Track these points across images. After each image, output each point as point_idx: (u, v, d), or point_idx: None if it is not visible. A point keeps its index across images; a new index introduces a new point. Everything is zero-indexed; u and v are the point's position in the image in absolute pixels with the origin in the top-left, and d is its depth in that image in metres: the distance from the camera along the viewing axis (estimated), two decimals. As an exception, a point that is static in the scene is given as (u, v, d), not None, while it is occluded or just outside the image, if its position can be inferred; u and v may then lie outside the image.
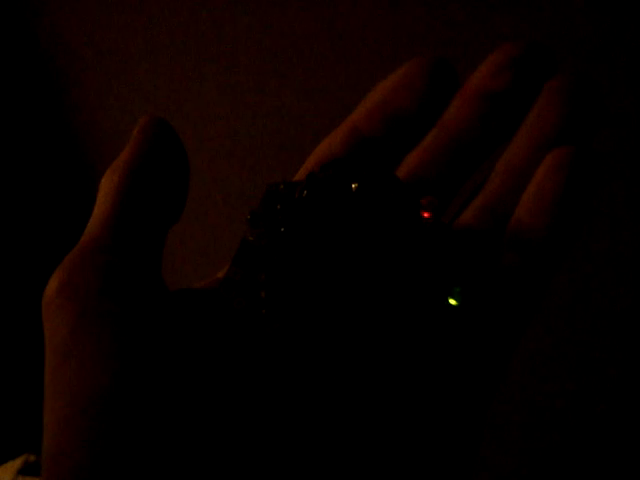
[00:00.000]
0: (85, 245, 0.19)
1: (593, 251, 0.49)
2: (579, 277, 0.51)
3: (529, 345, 0.55)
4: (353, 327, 0.19)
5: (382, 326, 0.19)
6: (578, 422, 0.58)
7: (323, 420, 0.18)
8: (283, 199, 0.20)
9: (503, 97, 0.22)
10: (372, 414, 0.18)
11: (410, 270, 0.19)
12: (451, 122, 0.22)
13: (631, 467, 0.57)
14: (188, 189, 0.21)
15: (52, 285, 0.18)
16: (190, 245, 0.57)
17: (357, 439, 0.18)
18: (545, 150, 0.21)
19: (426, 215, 0.20)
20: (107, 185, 0.20)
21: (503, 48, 0.22)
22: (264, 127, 0.54)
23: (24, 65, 0.64)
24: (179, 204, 0.21)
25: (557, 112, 0.21)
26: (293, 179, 0.22)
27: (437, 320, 0.19)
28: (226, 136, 0.57)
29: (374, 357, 0.19)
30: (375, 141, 0.22)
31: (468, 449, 0.19)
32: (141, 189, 0.20)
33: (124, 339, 0.17)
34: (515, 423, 0.60)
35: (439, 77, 0.22)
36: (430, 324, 0.19)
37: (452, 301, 0.19)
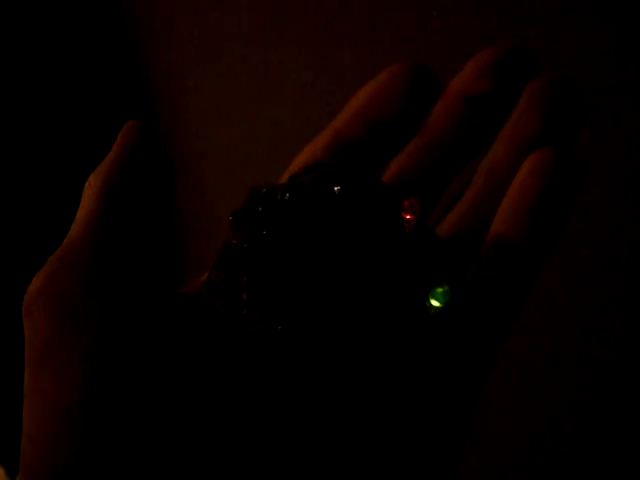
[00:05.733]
0: (68, 247, 0.19)
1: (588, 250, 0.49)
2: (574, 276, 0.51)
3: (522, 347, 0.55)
4: (335, 328, 0.19)
5: (363, 327, 0.19)
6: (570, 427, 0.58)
7: (310, 418, 0.18)
8: (265, 201, 0.20)
9: (485, 100, 0.22)
10: (356, 413, 0.18)
11: (391, 272, 0.19)
12: (434, 126, 0.22)
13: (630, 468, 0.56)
14: (174, 193, 0.21)
15: (34, 286, 0.18)
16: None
17: (344, 439, 0.18)
18: (526, 152, 0.21)
19: (408, 217, 0.20)
20: (91, 188, 0.20)
21: (484, 52, 0.22)
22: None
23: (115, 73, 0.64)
24: (165, 208, 0.21)
25: (537, 114, 0.21)
26: (278, 183, 0.23)
27: (418, 322, 0.19)
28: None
29: (355, 358, 0.19)
30: (357, 146, 0.22)
31: (454, 448, 0.19)
32: (124, 192, 0.20)
33: (106, 342, 0.17)
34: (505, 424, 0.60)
35: (420, 82, 0.22)
36: (411, 326, 0.19)
37: (434, 302, 0.19)
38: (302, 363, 0.18)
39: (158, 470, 0.16)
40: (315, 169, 0.21)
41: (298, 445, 0.18)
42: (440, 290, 0.19)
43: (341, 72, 0.46)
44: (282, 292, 0.19)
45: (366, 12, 0.45)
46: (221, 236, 0.20)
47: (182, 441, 0.17)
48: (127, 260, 0.19)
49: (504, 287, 0.20)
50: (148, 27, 0.60)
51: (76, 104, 0.61)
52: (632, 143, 0.43)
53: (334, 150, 0.22)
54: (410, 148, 0.23)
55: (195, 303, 0.19)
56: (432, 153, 0.22)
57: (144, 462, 0.16)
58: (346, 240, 0.20)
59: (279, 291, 0.19)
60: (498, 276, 0.20)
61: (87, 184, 0.20)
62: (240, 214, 0.20)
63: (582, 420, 0.58)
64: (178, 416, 0.17)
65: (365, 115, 0.23)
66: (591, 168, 0.22)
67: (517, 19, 0.40)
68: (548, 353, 0.57)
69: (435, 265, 0.20)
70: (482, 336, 0.20)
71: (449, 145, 0.22)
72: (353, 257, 0.19)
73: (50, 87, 0.59)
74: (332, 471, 0.18)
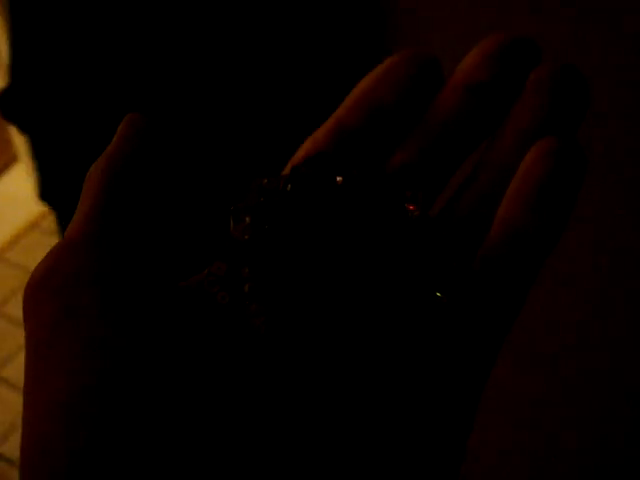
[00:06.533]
0: (70, 240, 0.19)
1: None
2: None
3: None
4: (338, 320, 0.18)
5: (367, 319, 0.19)
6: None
7: (312, 414, 0.18)
8: (267, 193, 0.20)
9: (489, 89, 0.22)
10: (359, 409, 0.18)
11: (396, 263, 0.19)
12: (438, 114, 0.22)
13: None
14: (181, 187, 0.21)
15: (35, 277, 0.18)
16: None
17: (346, 435, 0.18)
18: (531, 141, 0.21)
19: (412, 208, 0.20)
20: (92, 180, 0.20)
21: (488, 40, 0.22)
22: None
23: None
24: (170, 200, 0.21)
25: (542, 103, 0.21)
26: (280, 174, 0.22)
27: (424, 313, 0.19)
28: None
29: (359, 351, 0.18)
30: (359, 135, 0.22)
31: (457, 443, 0.19)
32: (125, 185, 0.20)
33: (107, 335, 0.17)
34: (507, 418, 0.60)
35: (423, 70, 0.22)
36: (416, 317, 0.19)
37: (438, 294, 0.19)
38: (304, 357, 0.18)
39: (158, 469, 0.16)
40: (317, 160, 0.20)
41: (299, 442, 0.17)
42: (443, 282, 0.19)
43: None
44: (284, 283, 0.19)
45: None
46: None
47: (183, 439, 0.17)
48: (128, 253, 0.19)
49: (508, 277, 0.20)
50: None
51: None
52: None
53: (336, 140, 0.22)
54: (412, 138, 0.22)
55: (196, 296, 0.19)
56: (434, 143, 0.22)
57: (144, 461, 0.16)
58: (349, 231, 0.19)
59: (281, 282, 0.19)
60: (502, 267, 0.20)
61: (87, 176, 0.20)
62: (241, 206, 0.20)
63: (585, 420, 0.58)
64: (179, 413, 0.17)
65: (366, 104, 0.22)
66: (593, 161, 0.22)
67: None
68: (553, 352, 0.57)
69: (439, 256, 0.20)
70: (486, 328, 0.20)
71: (451, 134, 0.22)
72: (356, 248, 0.19)
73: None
74: (333, 469, 0.17)
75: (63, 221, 0.78)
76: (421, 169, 0.22)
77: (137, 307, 0.18)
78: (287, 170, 0.23)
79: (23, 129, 0.68)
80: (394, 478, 0.18)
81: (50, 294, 0.17)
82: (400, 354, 0.19)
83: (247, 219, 0.19)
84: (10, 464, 1.20)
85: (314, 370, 0.18)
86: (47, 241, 1.44)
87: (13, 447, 1.21)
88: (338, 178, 0.20)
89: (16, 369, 1.32)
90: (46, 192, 0.70)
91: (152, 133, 0.21)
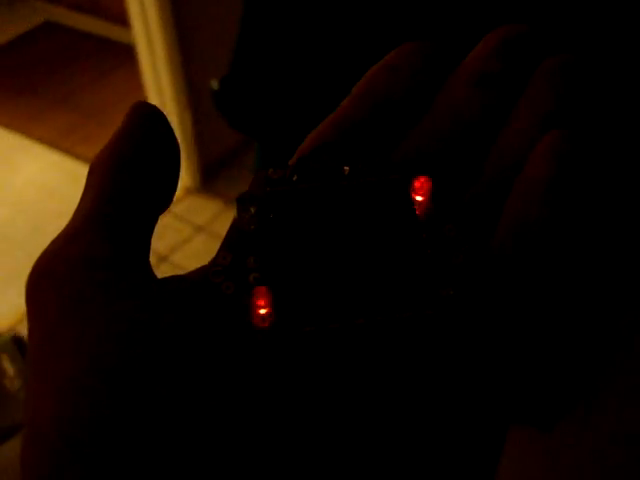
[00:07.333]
0: (74, 229, 0.19)
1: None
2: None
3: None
4: (343, 312, 0.18)
5: (372, 312, 0.18)
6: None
7: (320, 413, 0.17)
8: (273, 183, 0.20)
9: (497, 79, 0.22)
10: (367, 408, 0.18)
11: (402, 254, 0.19)
12: (445, 105, 0.22)
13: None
14: (178, 177, 0.21)
15: (39, 266, 0.18)
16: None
17: (352, 434, 0.17)
18: (540, 133, 0.21)
19: (419, 198, 0.20)
20: (97, 169, 0.20)
21: (496, 31, 0.22)
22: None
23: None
24: (168, 192, 0.21)
25: (551, 95, 0.21)
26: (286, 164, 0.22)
27: (432, 306, 0.19)
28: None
29: (365, 343, 0.18)
30: (365, 127, 0.22)
31: (484, 462, 0.18)
32: (130, 175, 0.19)
33: (111, 326, 0.17)
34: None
35: (429, 61, 0.22)
36: (425, 310, 0.19)
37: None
38: (309, 349, 0.18)
39: (158, 466, 0.16)
40: (323, 150, 0.20)
41: (302, 441, 0.17)
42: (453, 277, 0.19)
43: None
44: (290, 274, 0.19)
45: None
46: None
47: (184, 436, 0.16)
48: (134, 241, 0.19)
49: (516, 269, 0.19)
50: None
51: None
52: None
53: (342, 132, 0.22)
54: (420, 128, 0.22)
55: (201, 287, 0.19)
56: (441, 133, 0.22)
57: (145, 457, 0.16)
58: (354, 222, 0.19)
59: (287, 273, 0.19)
60: (510, 259, 0.19)
61: (92, 163, 0.20)
62: (247, 196, 0.19)
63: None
64: (181, 408, 0.17)
65: (373, 95, 0.22)
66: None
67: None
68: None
69: (446, 248, 0.20)
70: (494, 322, 0.19)
71: (459, 125, 0.22)
72: (361, 239, 0.19)
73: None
74: (334, 470, 0.17)
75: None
76: (429, 159, 0.22)
77: (143, 298, 0.18)
78: (293, 160, 0.23)
79: (233, 125, 0.66)
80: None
81: (55, 282, 0.17)
82: (406, 348, 0.18)
83: (252, 209, 0.19)
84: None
85: (318, 363, 0.18)
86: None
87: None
88: (345, 168, 0.20)
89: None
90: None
91: (158, 122, 0.20)
